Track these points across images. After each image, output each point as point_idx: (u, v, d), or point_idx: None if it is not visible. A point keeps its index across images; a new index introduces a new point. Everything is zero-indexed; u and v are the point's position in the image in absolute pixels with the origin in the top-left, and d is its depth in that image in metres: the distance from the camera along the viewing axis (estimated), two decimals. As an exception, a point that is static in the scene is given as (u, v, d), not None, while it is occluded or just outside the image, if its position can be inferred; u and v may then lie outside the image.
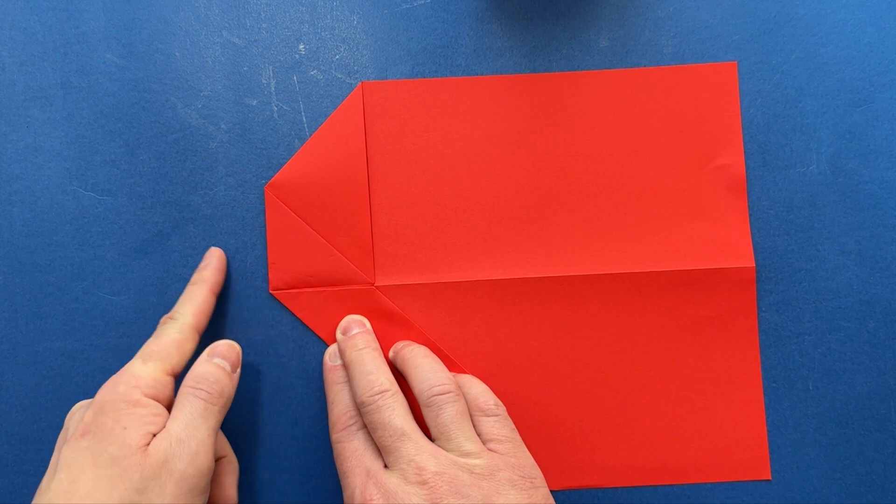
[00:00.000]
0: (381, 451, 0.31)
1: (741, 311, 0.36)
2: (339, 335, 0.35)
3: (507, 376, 0.36)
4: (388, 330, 0.36)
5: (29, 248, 0.36)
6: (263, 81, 0.37)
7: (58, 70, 0.37)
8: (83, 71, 0.37)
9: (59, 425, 0.36)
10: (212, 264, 0.35)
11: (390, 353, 0.36)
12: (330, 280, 0.36)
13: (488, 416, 0.33)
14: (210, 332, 0.36)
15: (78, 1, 0.37)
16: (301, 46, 0.37)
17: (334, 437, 0.33)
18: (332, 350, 0.35)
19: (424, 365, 0.33)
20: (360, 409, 0.32)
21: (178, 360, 0.32)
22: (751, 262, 0.36)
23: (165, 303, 0.36)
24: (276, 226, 0.36)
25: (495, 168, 0.36)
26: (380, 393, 0.31)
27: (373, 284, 0.36)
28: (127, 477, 0.27)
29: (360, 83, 0.37)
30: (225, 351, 0.33)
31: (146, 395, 0.30)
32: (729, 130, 0.36)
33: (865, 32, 0.37)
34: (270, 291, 0.36)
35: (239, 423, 0.36)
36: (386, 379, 0.32)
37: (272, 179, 0.36)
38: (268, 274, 0.36)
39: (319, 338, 0.36)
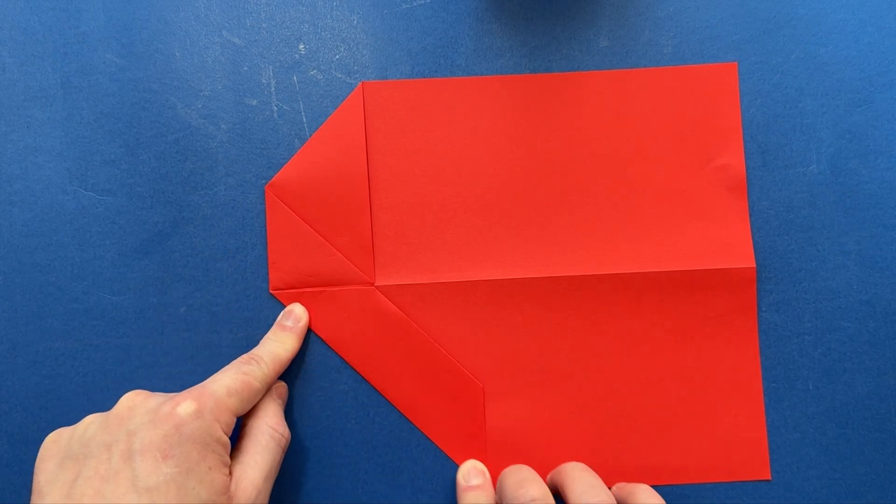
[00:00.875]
0: None
1: (741, 312, 0.36)
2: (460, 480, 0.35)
3: (507, 376, 0.36)
4: (387, 330, 0.36)
5: (29, 248, 0.36)
6: (263, 81, 0.37)
7: (58, 70, 0.37)
8: (83, 71, 0.37)
9: (59, 425, 0.36)
10: (304, 320, 0.36)
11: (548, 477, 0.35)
12: (330, 280, 0.36)
13: (637, 487, 0.33)
14: (209, 333, 0.36)
15: (78, 1, 0.37)
16: (301, 46, 0.37)
17: None
18: (467, 472, 0.35)
19: (583, 478, 0.33)
20: None
21: (246, 409, 0.31)
22: (751, 263, 0.36)
23: (165, 303, 0.36)
24: (276, 225, 0.36)
25: (496, 168, 0.36)
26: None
27: (373, 284, 0.36)
28: None
29: (360, 83, 0.37)
30: (285, 395, 0.35)
31: (224, 434, 0.29)
32: (729, 131, 0.36)
33: (865, 32, 0.37)
34: (271, 291, 0.36)
35: (238, 423, 0.36)
36: None
37: (272, 179, 0.36)
38: (268, 274, 0.36)
39: (320, 338, 0.36)
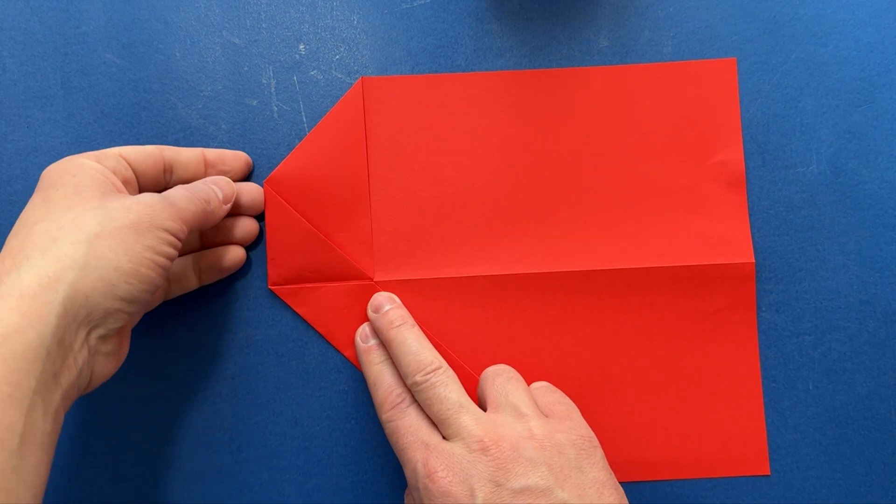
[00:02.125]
0: (438, 425, 0.31)
1: (740, 307, 0.36)
2: (370, 314, 0.35)
3: (507, 376, 0.36)
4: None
5: (29, 248, 0.36)
6: (263, 81, 0.37)
7: (58, 70, 0.37)
8: (83, 71, 0.37)
9: (59, 425, 0.36)
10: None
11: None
12: (329, 275, 0.36)
13: (537, 384, 0.34)
14: (208, 329, 0.36)
15: (78, 1, 0.37)
16: (301, 46, 0.37)
17: (385, 416, 0.32)
18: (363, 331, 0.35)
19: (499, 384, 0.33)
20: (412, 388, 0.32)
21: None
22: (750, 258, 0.36)
23: (165, 303, 0.36)
24: (274, 221, 0.36)
25: (495, 164, 0.36)
26: (432, 371, 0.31)
27: (372, 280, 0.36)
28: None
29: (360, 78, 0.37)
30: (223, 183, 0.34)
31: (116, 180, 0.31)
32: (728, 126, 0.36)
33: (865, 32, 0.37)
34: (270, 287, 0.36)
35: (238, 422, 0.36)
36: (433, 356, 0.32)
37: (271, 174, 0.36)
38: (267, 270, 0.36)
39: (319, 334, 0.36)
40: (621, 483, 0.35)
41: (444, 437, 0.31)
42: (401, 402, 0.32)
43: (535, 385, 0.34)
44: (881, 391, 0.36)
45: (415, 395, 0.32)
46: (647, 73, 0.37)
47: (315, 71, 0.37)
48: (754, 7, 0.37)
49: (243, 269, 0.36)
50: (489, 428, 0.30)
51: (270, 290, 0.36)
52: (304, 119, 0.37)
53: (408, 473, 0.31)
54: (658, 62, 0.37)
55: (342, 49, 0.37)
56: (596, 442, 0.31)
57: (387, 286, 0.36)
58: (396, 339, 0.33)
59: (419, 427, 0.31)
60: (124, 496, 0.36)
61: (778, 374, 0.36)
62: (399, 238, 0.36)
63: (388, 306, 0.35)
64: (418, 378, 0.31)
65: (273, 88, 0.37)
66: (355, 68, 0.37)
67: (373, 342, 0.34)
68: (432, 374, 0.31)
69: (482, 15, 0.37)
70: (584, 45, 0.37)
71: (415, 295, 0.36)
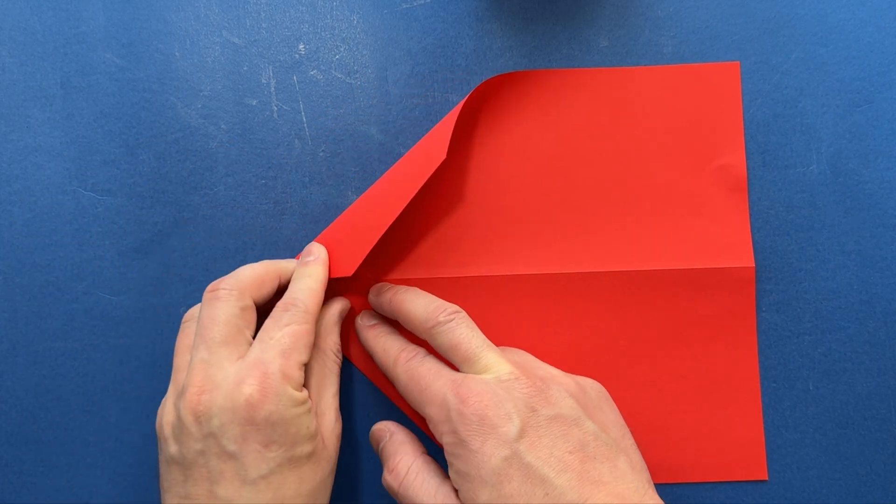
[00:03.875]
0: (462, 365, 0.31)
1: (740, 311, 0.36)
2: (372, 297, 0.35)
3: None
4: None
5: (29, 248, 0.36)
6: (263, 81, 0.37)
7: (57, 70, 0.37)
8: (83, 71, 0.37)
9: (58, 425, 0.36)
10: (323, 252, 0.35)
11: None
12: (333, 273, 0.36)
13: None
14: (210, 332, 0.36)
15: (78, 1, 0.37)
16: (301, 46, 0.37)
17: (400, 369, 0.32)
18: (363, 315, 0.35)
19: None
20: (435, 331, 0.31)
21: (309, 352, 0.32)
22: (750, 262, 0.36)
23: (165, 303, 0.36)
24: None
25: (495, 164, 0.36)
26: (454, 313, 0.32)
27: (373, 279, 0.36)
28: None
29: None
30: (346, 308, 0.35)
31: (298, 390, 0.30)
32: (731, 130, 0.36)
33: (866, 32, 0.37)
34: None
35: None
36: (449, 303, 0.32)
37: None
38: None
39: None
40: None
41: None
42: (415, 355, 0.32)
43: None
44: (881, 391, 0.36)
45: (436, 337, 0.31)
46: (650, 75, 0.36)
47: (315, 71, 0.37)
48: (754, 7, 0.37)
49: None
50: (518, 363, 0.31)
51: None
52: (304, 119, 0.37)
53: (433, 412, 0.30)
54: (660, 64, 0.37)
55: (342, 49, 0.37)
56: (612, 400, 0.33)
57: (387, 286, 0.36)
58: (408, 295, 0.33)
59: (440, 369, 0.31)
60: (124, 496, 0.36)
61: (778, 375, 0.36)
62: (401, 237, 0.36)
63: (384, 284, 0.35)
64: (442, 318, 0.31)
65: (273, 88, 0.37)
66: (355, 68, 0.37)
67: (373, 322, 0.35)
68: (456, 315, 0.32)
69: (482, 15, 0.37)
70: (584, 45, 0.37)
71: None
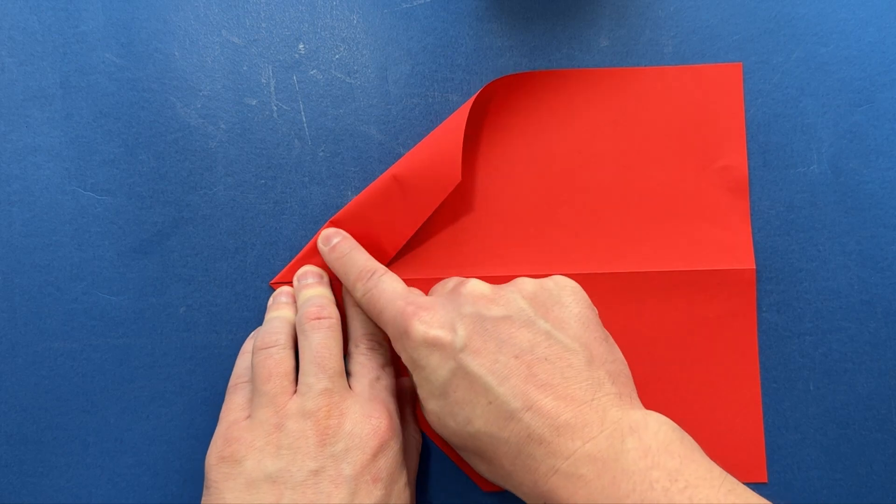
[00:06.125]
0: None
1: (740, 313, 0.36)
2: (320, 245, 0.35)
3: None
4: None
5: (28, 248, 0.36)
6: (263, 81, 0.37)
7: (57, 70, 0.37)
8: (82, 70, 0.37)
9: (58, 425, 0.36)
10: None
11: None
12: (330, 274, 0.36)
13: None
14: (208, 333, 0.36)
15: (77, 1, 0.37)
16: (301, 46, 0.37)
17: (358, 294, 0.32)
18: (321, 240, 0.35)
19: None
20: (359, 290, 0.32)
21: None
22: (751, 265, 0.36)
23: (165, 303, 0.36)
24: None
25: (495, 165, 0.36)
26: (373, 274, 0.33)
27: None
28: None
29: None
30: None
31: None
32: (732, 132, 0.36)
33: (866, 32, 0.37)
34: (270, 284, 0.36)
35: (238, 423, 0.36)
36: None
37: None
38: (269, 274, 0.36)
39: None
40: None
41: None
42: (371, 276, 0.32)
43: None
44: (882, 391, 0.36)
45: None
46: (652, 76, 0.36)
47: (315, 70, 0.37)
48: (755, 7, 0.37)
49: (244, 273, 0.36)
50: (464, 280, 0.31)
51: (271, 289, 0.36)
52: (304, 119, 0.37)
53: (390, 332, 0.31)
54: (660, 64, 0.37)
55: (342, 49, 0.37)
56: (582, 291, 0.31)
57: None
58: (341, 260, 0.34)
59: (395, 289, 0.31)
60: (124, 496, 0.36)
61: (779, 375, 0.36)
62: (400, 238, 0.36)
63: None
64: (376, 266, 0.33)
65: (272, 88, 0.37)
66: (355, 68, 0.37)
67: (336, 239, 0.34)
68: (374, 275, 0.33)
69: (482, 15, 0.37)
70: (585, 45, 0.37)
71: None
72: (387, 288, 0.31)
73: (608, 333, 0.31)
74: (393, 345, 0.31)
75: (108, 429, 0.36)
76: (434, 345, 0.28)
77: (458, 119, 0.35)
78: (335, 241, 0.34)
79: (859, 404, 0.36)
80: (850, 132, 0.36)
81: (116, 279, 0.36)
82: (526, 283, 0.31)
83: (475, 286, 0.30)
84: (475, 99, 0.35)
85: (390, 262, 0.36)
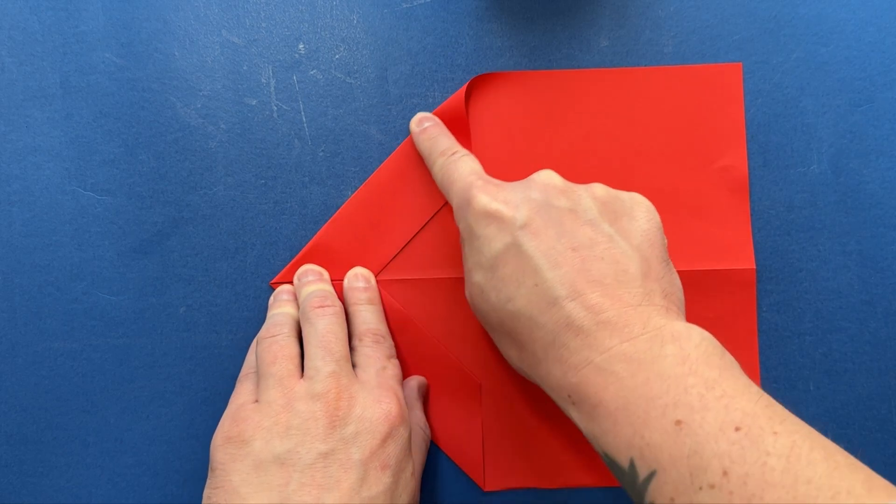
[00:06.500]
0: None
1: (741, 313, 0.36)
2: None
3: (506, 373, 0.36)
4: (388, 324, 0.36)
5: (28, 248, 0.36)
6: (263, 81, 0.37)
7: (57, 70, 0.37)
8: (82, 70, 0.37)
9: (58, 425, 0.36)
10: (372, 279, 0.36)
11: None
12: (331, 274, 0.36)
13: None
14: (208, 333, 0.36)
15: (77, 1, 0.37)
16: (301, 46, 0.37)
17: (437, 166, 0.33)
18: (414, 121, 0.36)
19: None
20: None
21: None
22: (751, 264, 0.36)
23: (165, 303, 0.36)
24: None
25: (497, 164, 0.36)
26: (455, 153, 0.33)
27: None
28: None
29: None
30: (426, 389, 0.36)
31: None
32: (733, 132, 0.36)
33: (866, 32, 0.37)
34: (270, 284, 0.36)
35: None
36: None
37: None
38: (269, 274, 0.36)
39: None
40: (618, 487, 0.35)
41: None
42: (455, 153, 0.33)
43: None
44: (882, 391, 0.36)
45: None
46: (652, 76, 0.36)
47: (315, 70, 0.37)
48: (755, 7, 0.37)
49: (244, 273, 0.36)
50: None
51: (271, 289, 0.36)
52: (304, 119, 0.37)
53: (454, 203, 0.31)
54: (660, 64, 0.37)
55: (342, 48, 0.37)
56: (656, 213, 0.30)
57: (388, 285, 0.36)
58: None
59: (473, 169, 0.32)
60: (124, 496, 0.36)
61: (779, 375, 0.36)
62: (398, 238, 0.36)
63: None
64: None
65: (272, 88, 0.37)
66: (355, 68, 0.37)
67: (428, 123, 0.35)
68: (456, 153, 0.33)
69: (482, 15, 0.37)
70: (585, 45, 0.37)
71: (415, 294, 0.36)
72: (464, 165, 0.32)
73: (671, 262, 0.30)
74: (454, 214, 0.31)
75: (108, 429, 0.36)
76: (494, 216, 0.28)
77: (458, 118, 0.35)
78: (427, 125, 0.35)
79: (860, 404, 0.36)
80: (850, 132, 0.36)
81: (116, 279, 0.36)
82: (599, 188, 0.30)
83: (549, 175, 0.30)
84: (465, 88, 0.36)
85: (390, 262, 0.36)
